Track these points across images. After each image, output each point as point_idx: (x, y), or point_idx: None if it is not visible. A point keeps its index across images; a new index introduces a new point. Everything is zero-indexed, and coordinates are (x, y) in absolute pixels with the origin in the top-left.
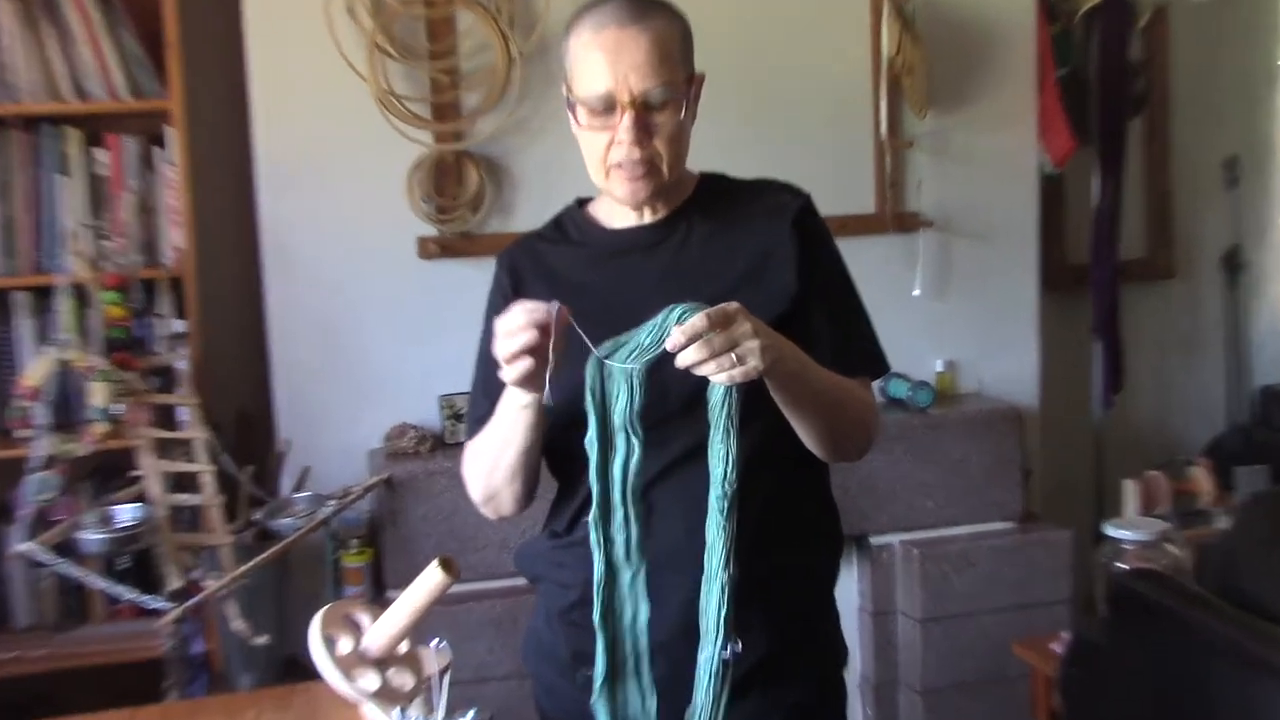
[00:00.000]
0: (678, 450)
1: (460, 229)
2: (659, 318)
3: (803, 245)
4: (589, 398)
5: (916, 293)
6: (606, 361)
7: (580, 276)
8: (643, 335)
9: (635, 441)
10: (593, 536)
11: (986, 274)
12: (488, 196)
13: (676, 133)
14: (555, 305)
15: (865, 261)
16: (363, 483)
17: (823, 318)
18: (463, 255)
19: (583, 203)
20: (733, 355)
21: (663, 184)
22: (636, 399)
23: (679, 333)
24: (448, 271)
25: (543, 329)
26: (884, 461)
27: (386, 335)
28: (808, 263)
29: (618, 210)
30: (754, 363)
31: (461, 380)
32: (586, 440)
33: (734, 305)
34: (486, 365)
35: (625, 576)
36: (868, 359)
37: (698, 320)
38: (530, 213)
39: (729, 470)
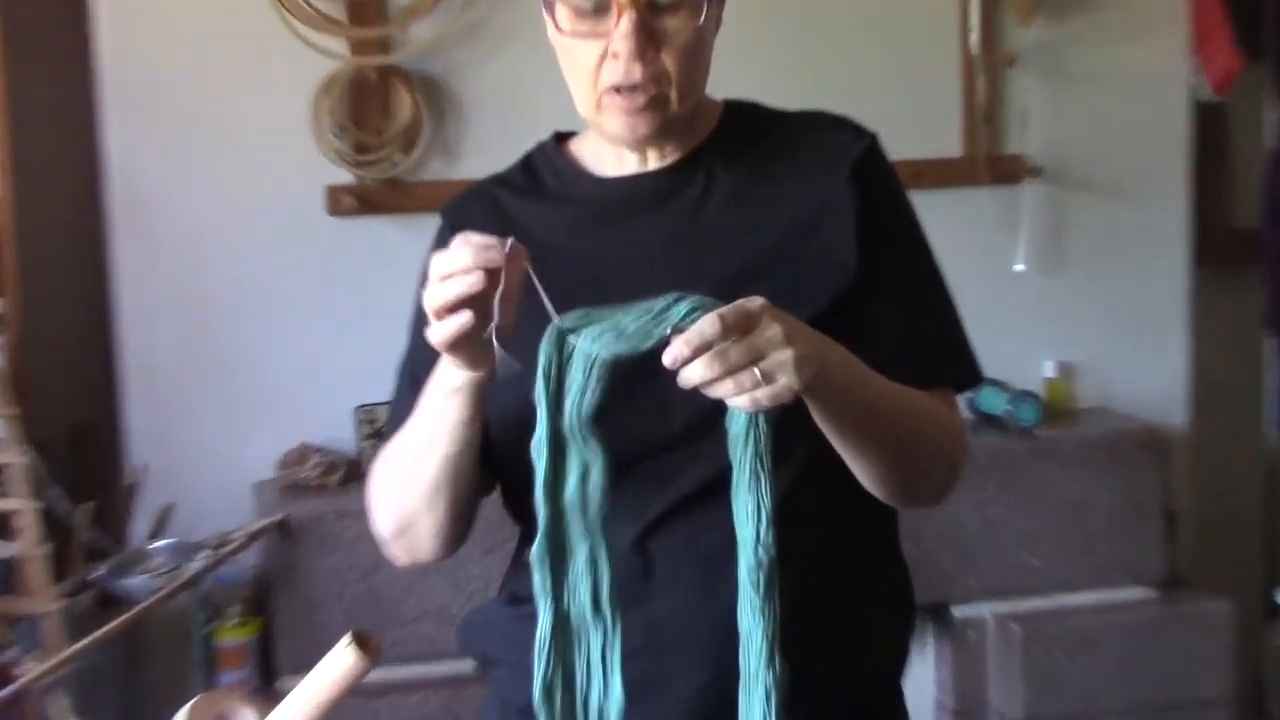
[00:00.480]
0: (686, 487)
1: (386, 174)
2: (654, 305)
3: (866, 205)
4: (540, 383)
5: (1019, 268)
6: (570, 336)
7: (557, 241)
8: (628, 318)
9: (591, 455)
10: (536, 579)
11: (1117, 242)
12: (425, 130)
13: (694, 43)
14: (511, 242)
15: (948, 225)
16: (247, 527)
17: (891, 307)
18: (390, 211)
19: (562, 139)
20: (756, 371)
21: (673, 116)
22: (589, 396)
23: (681, 342)
24: (369, 234)
25: (492, 274)
26: (972, 503)
27: (282, 323)
28: (872, 229)
29: (610, 152)
30: (786, 381)
31: (386, 386)
32: (534, 443)
33: (757, 302)
34: (418, 344)
35: (588, 642)
36: (952, 364)
37: (706, 325)
38: (485, 154)
39: (763, 530)
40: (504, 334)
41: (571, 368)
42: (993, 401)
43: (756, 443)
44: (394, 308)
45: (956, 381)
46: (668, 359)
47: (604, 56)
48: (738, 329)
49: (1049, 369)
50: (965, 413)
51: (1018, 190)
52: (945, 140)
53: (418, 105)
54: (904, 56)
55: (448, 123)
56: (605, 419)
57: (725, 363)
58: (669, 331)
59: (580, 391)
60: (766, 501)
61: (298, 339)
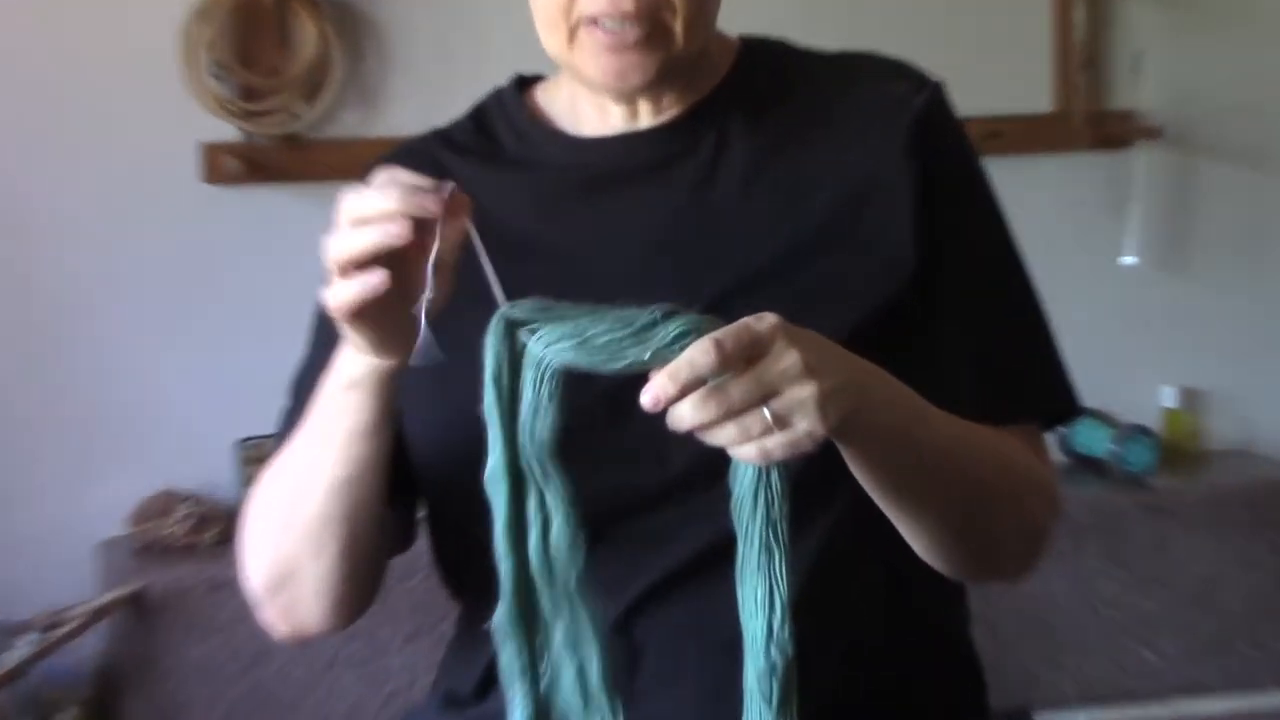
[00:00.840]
0: (684, 554)
1: (283, 129)
2: (635, 317)
3: (927, 180)
4: (491, 392)
5: (1129, 260)
6: (520, 331)
7: (517, 221)
8: (598, 326)
9: (552, 497)
10: (503, 658)
11: (1262, 227)
12: (335, 72)
13: None
14: (451, 187)
15: (1034, 203)
16: (88, 602)
17: (957, 318)
18: (287, 178)
19: (526, 85)
20: (765, 413)
21: (675, 57)
22: (541, 417)
23: (666, 377)
24: (258, 209)
25: (422, 225)
26: (1065, 577)
27: (140, 329)
28: (936, 214)
29: (589, 104)
30: (806, 425)
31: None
32: (488, 473)
33: (767, 321)
34: (320, 352)
35: None
36: (1041, 393)
37: (699, 354)
38: (416, 104)
39: (776, 624)
40: (434, 309)
41: (520, 376)
42: (1093, 440)
43: (768, 507)
44: (290, 308)
45: (1046, 415)
46: (647, 399)
47: None
48: (741, 358)
49: (1168, 397)
50: (1056, 454)
51: (1128, 157)
52: (1031, 90)
53: (326, 38)
54: None
55: (366, 61)
56: (577, 457)
57: (725, 402)
58: (648, 357)
59: (531, 409)
60: (782, 586)
61: (160, 350)
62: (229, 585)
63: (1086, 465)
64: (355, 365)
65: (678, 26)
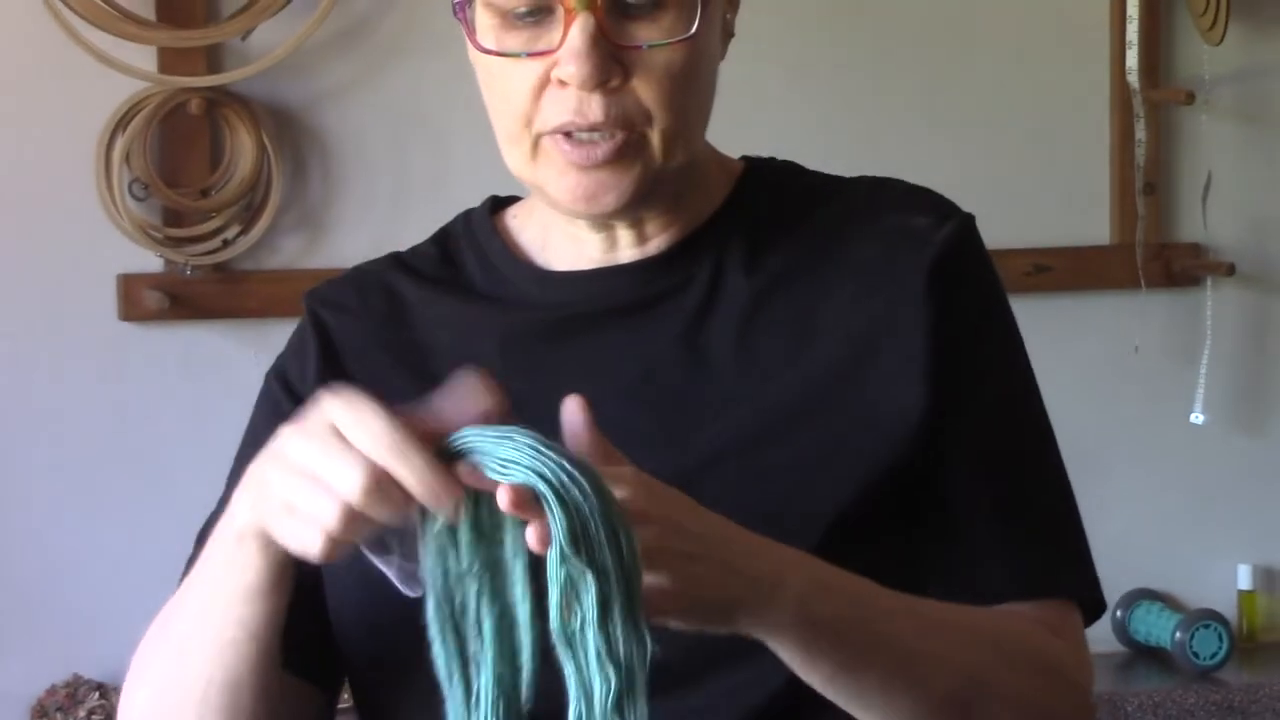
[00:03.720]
0: None
1: (214, 259)
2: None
3: (947, 325)
4: (434, 605)
5: (1198, 418)
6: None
7: (480, 362)
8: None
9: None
10: None
11: None
12: (276, 190)
13: (685, 62)
14: (474, 387)
15: (1088, 349)
16: None
17: (971, 481)
18: (218, 314)
19: (499, 207)
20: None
21: (655, 174)
22: (524, 659)
23: (505, 493)
24: (185, 351)
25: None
26: None
27: (44, 493)
28: (953, 364)
29: (562, 231)
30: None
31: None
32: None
33: (626, 475)
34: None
35: None
36: (1063, 570)
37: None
38: (369, 230)
39: None
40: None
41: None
42: (1155, 626)
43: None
44: (217, 465)
45: (1079, 597)
46: (504, 502)
47: (544, 84)
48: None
49: (1243, 578)
50: (1109, 643)
51: (1196, 297)
52: (1086, 220)
53: (265, 151)
54: (1023, 90)
55: (310, 179)
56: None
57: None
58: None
59: (493, 647)
60: None
61: (68, 514)
62: None
63: (1148, 656)
64: (251, 559)
65: (655, 138)
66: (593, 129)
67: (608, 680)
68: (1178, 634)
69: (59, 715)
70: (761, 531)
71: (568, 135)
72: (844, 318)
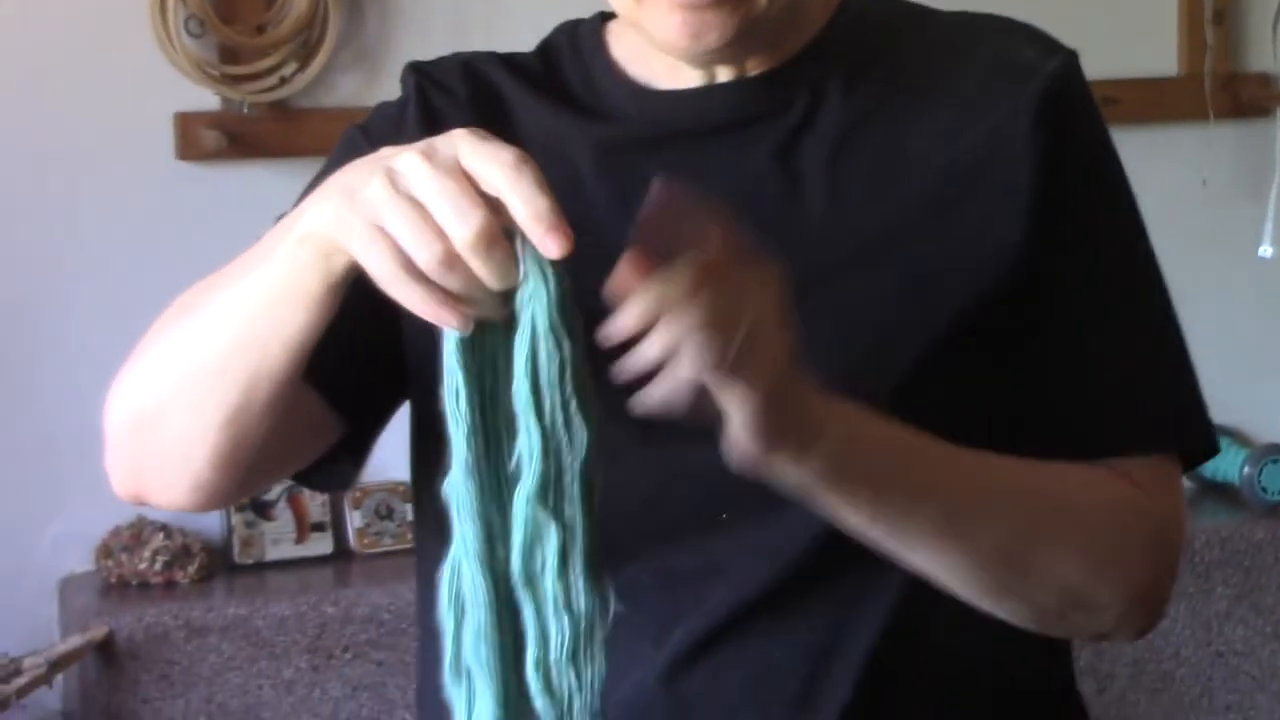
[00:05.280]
0: (737, 597)
1: (273, 96)
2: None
3: (1056, 161)
4: (455, 390)
5: (1267, 252)
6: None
7: (574, 168)
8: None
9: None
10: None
11: None
12: (332, 27)
13: None
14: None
15: (1157, 181)
16: (49, 650)
17: (1073, 327)
18: (276, 153)
19: (604, 22)
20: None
21: (754, 15)
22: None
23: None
24: (245, 190)
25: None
26: (1187, 620)
27: (110, 328)
28: (1061, 202)
29: (663, 58)
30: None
31: None
32: (447, 484)
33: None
34: None
35: None
36: (1166, 423)
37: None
38: None
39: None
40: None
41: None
42: (1224, 462)
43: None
44: None
45: (1180, 446)
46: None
47: None
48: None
49: None
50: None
51: (1267, 128)
52: (1153, 50)
53: None
54: None
55: (365, 17)
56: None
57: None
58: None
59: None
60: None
61: (126, 357)
62: (213, 630)
63: (1216, 492)
64: (327, 224)
65: None
66: None
67: (562, 630)
68: (1246, 469)
69: (124, 555)
70: (847, 362)
71: None
72: (945, 144)
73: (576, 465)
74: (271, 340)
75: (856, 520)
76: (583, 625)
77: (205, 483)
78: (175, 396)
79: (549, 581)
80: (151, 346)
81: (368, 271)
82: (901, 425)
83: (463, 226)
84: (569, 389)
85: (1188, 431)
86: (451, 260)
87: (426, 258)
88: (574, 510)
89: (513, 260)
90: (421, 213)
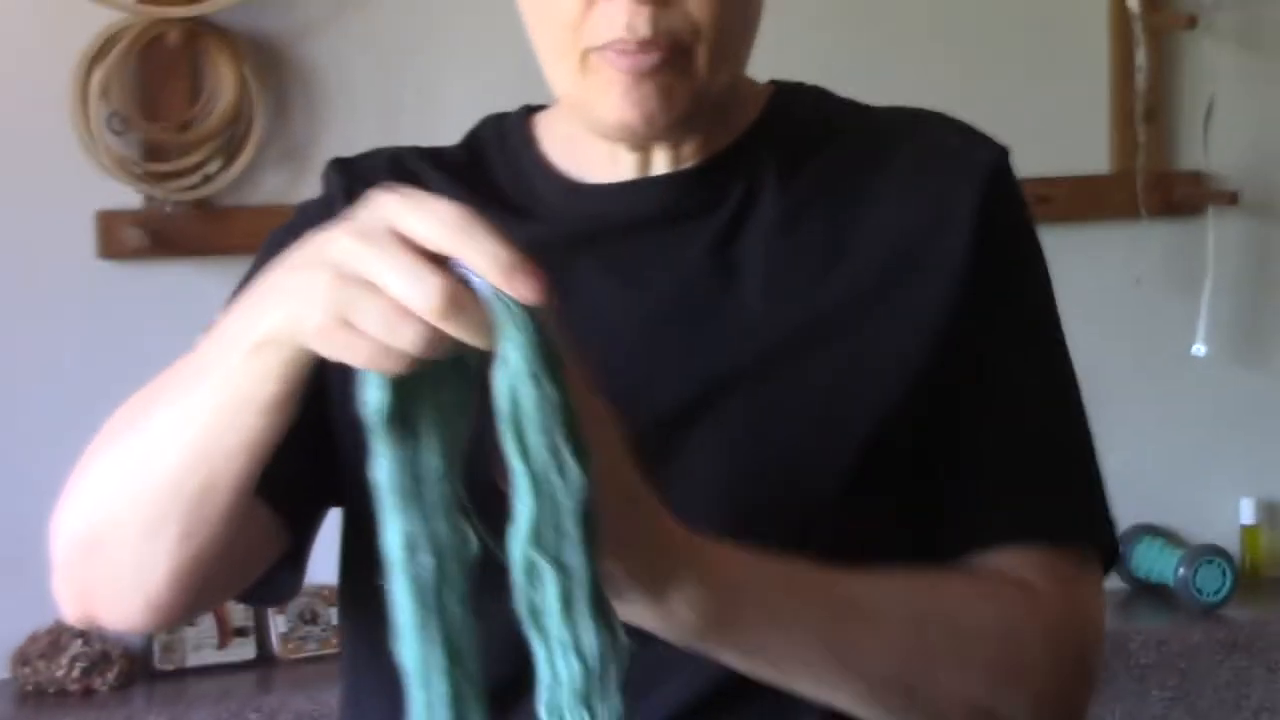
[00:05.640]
0: (677, 706)
1: (196, 194)
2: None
3: (989, 252)
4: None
5: (1199, 350)
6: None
7: None
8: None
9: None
10: None
11: None
12: (258, 124)
13: None
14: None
15: (1088, 280)
16: None
17: (988, 415)
18: (199, 252)
19: (530, 115)
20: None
21: (698, 92)
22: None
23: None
24: (166, 289)
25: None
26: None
27: (24, 433)
28: (989, 281)
29: (597, 148)
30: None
31: None
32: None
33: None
34: None
35: None
36: (1067, 515)
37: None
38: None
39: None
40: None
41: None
42: (1158, 563)
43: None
44: None
45: (1078, 539)
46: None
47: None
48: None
49: (1246, 512)
50: (1110, 579)
51: (1198, 227)
52: (1084, 147)
53: (246, 84)
54: (1020, 16)
55: (293, 113)
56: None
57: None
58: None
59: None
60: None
61: (47, 456)
62: None
63: (1151, 593)
64: (279, 328)
65: (702, 55)
66: (641, 45)
67: (574, 674)
68: (1180, 570)
69: (41, 662)
70: (791, 452)
71: (613, 50)
72: (882, 232)
73: (573, 505)
74: (235, 449)
75: (739, 664)
76: (594, 666)
77: (160, 602)
78: (128, 516)
79: (554, 624)
80: (95, 465)
81: (353, 363)
82: (780, 561)
83: (426, 296)
84: (556, 430)
85: (1087, 528)
86: (430, 333)
87: (410, 337)
88: (574, 552)
89: (482, 310)
90: (383, 297)
